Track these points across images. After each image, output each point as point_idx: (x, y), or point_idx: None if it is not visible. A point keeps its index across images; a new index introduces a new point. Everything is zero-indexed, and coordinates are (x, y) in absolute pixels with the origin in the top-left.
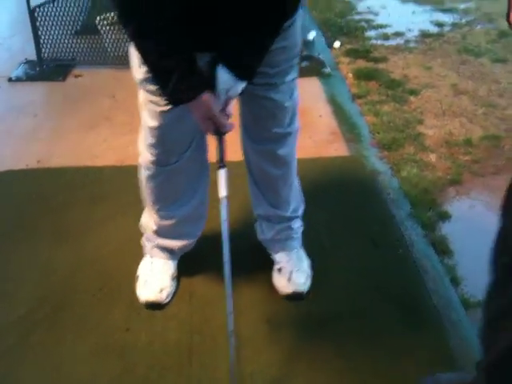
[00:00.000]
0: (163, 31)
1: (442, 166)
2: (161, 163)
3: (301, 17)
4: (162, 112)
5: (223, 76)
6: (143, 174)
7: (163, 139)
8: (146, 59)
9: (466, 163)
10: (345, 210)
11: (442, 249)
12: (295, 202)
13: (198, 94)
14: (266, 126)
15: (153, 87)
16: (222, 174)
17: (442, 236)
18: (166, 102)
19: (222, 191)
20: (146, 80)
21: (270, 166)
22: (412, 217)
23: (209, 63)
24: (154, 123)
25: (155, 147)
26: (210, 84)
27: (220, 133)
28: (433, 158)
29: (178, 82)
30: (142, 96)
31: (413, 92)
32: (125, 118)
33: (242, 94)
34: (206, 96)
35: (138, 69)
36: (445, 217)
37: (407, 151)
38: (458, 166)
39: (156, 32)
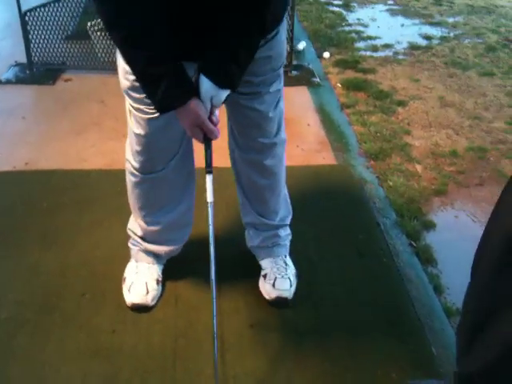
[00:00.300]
0: (151, 39)
1: (428, 176)
2: (147, 170)
3: (285, 27)
4: (149, 119)
5: (205, 84)
6: (129, 181)
7: (149, 147)
8: (134, 67)
9: (451, 174)
10: (331, 218)
11: (426, 258)
12: (283, 211)
13: (187, 101)
14: (251, 135)
15: (138, 95)
16: (208, 180)
17: (427, 245)
18: (152, 109)
19: (209, 197)
20: (131, 88)
21: (258, 176)
22: (397, 226)
23: (196, 71)
24: (140, 131)
25: (141, 154)
26: (197, 91)
27: (208, 139)
28: (419, 168)
29: (166, 88)
30: (128, 104)
31: (400, 103)
32: (113, 123)
33: (227, 102)
34: (194, 103)
35: (124, 77)
36: (429, 226)
37: (394, 161)
38: (444, 176)
39: (143, 40)
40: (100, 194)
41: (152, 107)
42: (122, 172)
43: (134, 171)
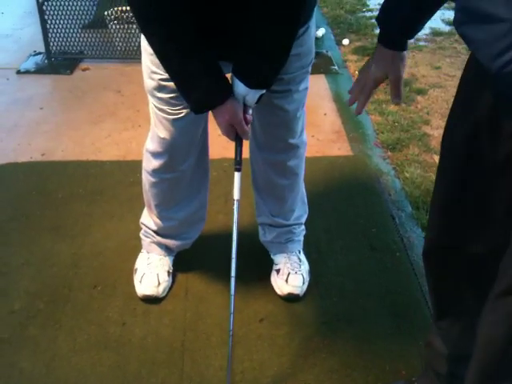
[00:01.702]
0: (190, 38)
1: None
2: (167, 171)
3: (314, 22)
4: (173, 120)
5: (238, 85)
6: (147, 179)
7: (171, 148)
8: (171, 66)
9: None
10: (344, 210)
11: None
12: (299, 210)
13: (226, 100)
14: (280, 136)
15: (164, 95)
16: (237, 177)
17: None
18: (176, 110)
19: (236, 194)
20: (156, 88)
21: (279, 177)
22: (413, 218)
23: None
24: (164, 134)
25: (162, 156)
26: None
27: (239, 138)
28: (437, 159)
29: (206, 87)
30: (152, 105)
31: (420, 92)
32: (129, 113)
33: (259, 102)
34: (232, 102)
35: (149, 77)
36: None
37: (411, 152)
38: None
39: (184, 39)
40: (113, 184)
41: (176, 108)
42: (136, 163)
43: (155, 171)
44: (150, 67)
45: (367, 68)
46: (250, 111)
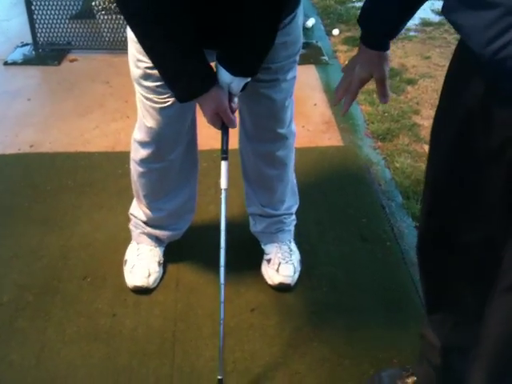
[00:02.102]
0: (173, 27)
1: None
2: (155, 161)
3: (302, 10)
4: (160, 109)
5: (222, 73)
6: (135, 170)
7: (158, 138)
8: (155, 56)
9: None
10: (334, 201)
11: None
12: (289, 200)
13: (210, 88)
14: (266, 125)
15: (150, 83)
16: (224, 166)
17: None
18: (163, 98)
19: (223, 183)
20: (143, 77)
21: (268, 167)
22: (403, 208)
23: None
24: (152, 123)
25: (150, 145)
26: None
27: (225, 127)
28: (427, 149)
29: (190, 76)
30: (139, 94)
31: (410, 82)
32: (118, 104)
33: (244, 90)
34: (217, 90)
35: (135, 65)
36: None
37: (401, 142)
38: None
39: (165, 28)
40: (102, 176)
41: (163, 96)
42: (124, 154)
43: (143, 161)
44: (135, 55)
45: (352, 68)
46: (236, 99)
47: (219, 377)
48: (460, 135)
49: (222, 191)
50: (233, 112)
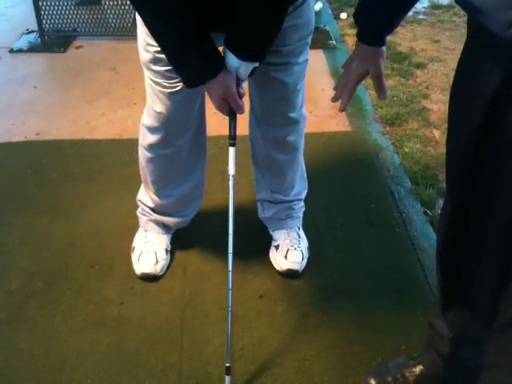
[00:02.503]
0: (180, 10)
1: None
2: (163, 146)
3: None
4: (169, 94)
5: (230, 57)
6: (143, 155)
7: (167, 123)
8: (163, 40)
9: None
10: (343, 187)
11: None
12: (299, 186)
13: (218, 73)
14: (277, 110)
15: (159, 68)
16: (231, 152)
17: None
18: (172, 83)
19: (231, 169)
20: (152, 61)
21: (278, 152)
22: (412, 194)
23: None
24: (161, 108)
25: (158, 131)
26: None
27: (233, 113)
28: (436, 133)
29: (198, 61)
30: (149, 78)
31: (419, 66)
32: (124, 91)
33: (254, 75)
34: (225, 75)
35: (144, 49)
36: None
37: (410, 127)
38: None
39: (173, 12)
40: (109, 163)
41: (172, 81)
42: (132, 141)
43: (151, 146)
44: (145, 39)
45: (349, 64)
46: (243, 85)
47: (227, 364)
48: (481, 125)
49: (230, 177)
50: (240, 97)
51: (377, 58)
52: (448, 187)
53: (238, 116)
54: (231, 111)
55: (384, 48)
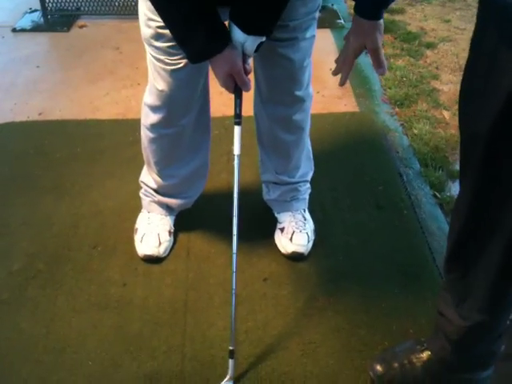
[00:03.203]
0: None
1: (456, 123)
2: (166, 126)
3: None
4: (172, 71)
5: (236, 31)
6: (146, 135)
7: (170, 102)
8: (168, 14)
9: None
10: (350, 168)
11: (450, 209)
12: (305, 167)
13: (224, 48)
14: (285, 88)
15: (161, 44)
16: (237, 132)
17: (451, 196)
18: (175, 60)
19: (236, 149)
20: (154, 37)
21: (284, 132)
22: (421, 176)
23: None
24: (163, 86)
25: (161, 110)
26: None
27: (239, 90)
28: (446, 114)
29: (203, 36)
30: (150, 55)
31: (429, 46)
32: (128, 70)
33: (259, 50)
34: (231, 51)
35: (146, 24)
36: (455, 176)
37: (420, 108)
38: None
39: None
40: (112, 144)
41: (174, 58)
42: (135, 121)
43: (154, 126)
44: (146, 14)
45: (348, 38)
46: (249, 61)
47: (231, 347)
48: (502, 106)
49: (235, 157)
50: (247, 74)
51: (374, 32)
52: (465, 176)
53: (244, 95)
54: (237, 88)
55: (381, 21)
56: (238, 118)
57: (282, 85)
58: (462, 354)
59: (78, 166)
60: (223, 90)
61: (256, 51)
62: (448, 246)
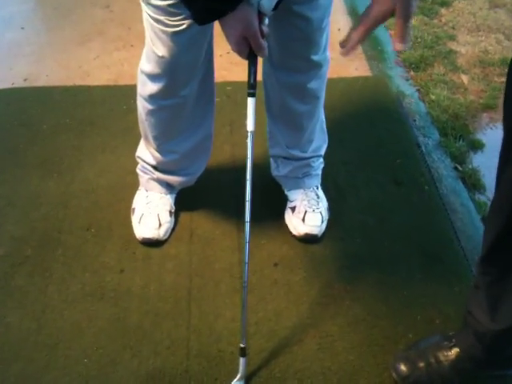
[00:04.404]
0: None
1: (475, 88)
2: (166, 96)
3: None
4: (172, 34)
5: None
6: (143, 107)
7: (170, 69)
8: None
9: (501, 86)
10: (364, 139)
11: (472, 183)
12: (318, 140)
13: (237, 5)
14: (300, 52)
15: (161, 2)
16: (251, 104)
17: (474, 169)
18: (176, 21)
19: (250, 125)
20: None
21: (297, 102)
22: (440, 147)
23: None
24: (162, 51)
25: (162, 79)
26: None
27: (254, 55)
28: (465, 79)
29: None
30: (148, 15)
31: (444, 3)
32: (120, 31)
33: (277, 9)
34: (246, 8)
35: None
36: (477, 147)
37: (436, 71)
38: (493, 88)
39: None
40: (105, 113)
41: (176, 18)
42: (129, 88)
43: (152, 97)
44: None
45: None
46: (267, 21)
47: (242, 345)
48: None
49: (249, 134)
50: (263, 36)
51: None
52: (505, 172)
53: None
54: (251, 54)
55: None
56: (251, 88)
57: (296, 48)
58: (493, 355)
59: (66, 138)
60: (223, 51)
61: (274, 9)
62: (484, 245)
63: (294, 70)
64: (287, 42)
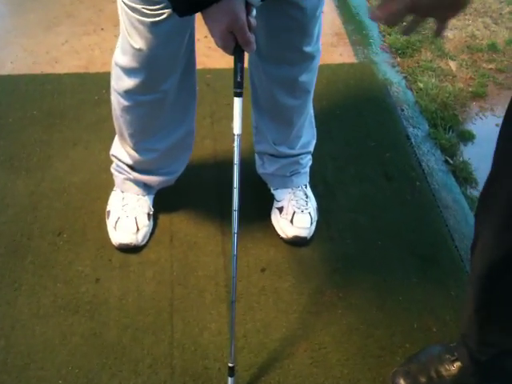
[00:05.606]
0: None
1: (464, 75)
2: (145, 91)
3: None
4: (150, 25)
5: None
6: (118, 103)
7: (150, 63)
8: None
9: (490, 73)
10: (351, 131)
11: (464, 177)
12: (307, 136)
13: None
14: (292, 43)
15: None
16: (237, 104)
17: (465, 162)
18: (153, 10)
19: (236, 128)
20: None
21: (287, 96)
22: (430, 138)
23: None
24: (140, 43)
25: (139, 73)
26: None
27: (240, 50)
28: (453, 65)
29: None
30: (123, 3)
31: None
32: (90, 13)
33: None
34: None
35: None
36: (467, 138)
37: (424, 57)
38: (482, 75)
39: None
40: (75, 103)
41: (155, 7)
42: (100, 76)
43: (128, 92)
44: None
45: None
46: (254, 13)
47: (230, 364)
48: None
49: (235, 137)
50: (251, 29)
51: None
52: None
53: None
54: (237, 49)
55: None
56: (238, 87)
57: (288, 39)
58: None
59: (34, 132)
60: (201, 35)
61: (263, 0)
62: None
63: (284, 62)
64: (278, 33)
